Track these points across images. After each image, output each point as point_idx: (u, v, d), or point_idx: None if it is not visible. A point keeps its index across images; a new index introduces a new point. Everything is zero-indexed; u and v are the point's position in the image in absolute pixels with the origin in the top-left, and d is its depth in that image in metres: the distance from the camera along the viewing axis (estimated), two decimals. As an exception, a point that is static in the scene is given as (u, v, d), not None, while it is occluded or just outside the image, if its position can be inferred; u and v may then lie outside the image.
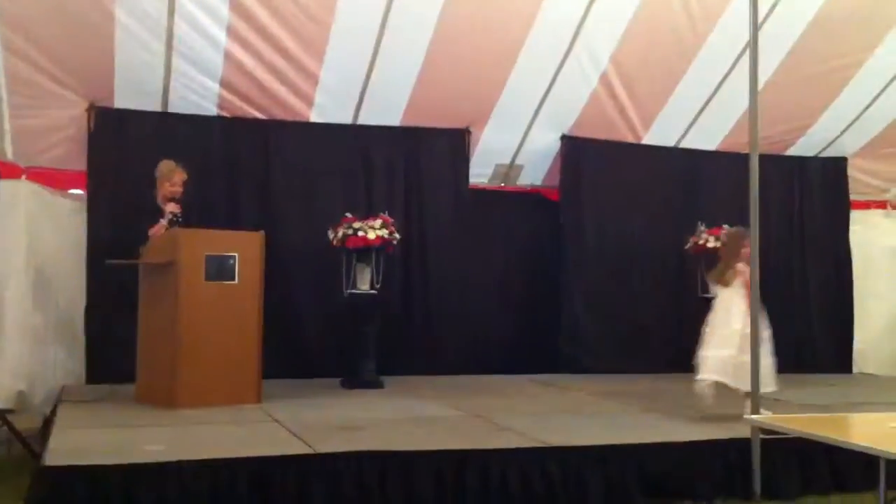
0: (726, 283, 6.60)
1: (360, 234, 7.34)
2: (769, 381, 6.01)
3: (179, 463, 4.32)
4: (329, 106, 7.86)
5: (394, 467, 4.65)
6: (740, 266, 6.43)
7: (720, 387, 6.22)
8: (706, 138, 8.86)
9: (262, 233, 6.35)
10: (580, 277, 8.69)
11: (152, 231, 6.46)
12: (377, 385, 7.38)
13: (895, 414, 3.54)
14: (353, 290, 7.47)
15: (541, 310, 8.73)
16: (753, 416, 3.71)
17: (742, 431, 5.15)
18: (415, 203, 8.32)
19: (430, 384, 7.59)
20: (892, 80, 8.36)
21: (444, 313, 8.28)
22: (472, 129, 8.38)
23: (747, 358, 5.66)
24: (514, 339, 8.67)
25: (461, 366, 8.20)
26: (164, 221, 6.48)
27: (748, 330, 5.86)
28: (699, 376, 6.40)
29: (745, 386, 5.69)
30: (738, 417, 5.14)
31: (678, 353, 8.64)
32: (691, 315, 8.50)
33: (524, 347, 8.65)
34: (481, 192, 8.70)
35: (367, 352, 7.45)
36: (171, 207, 6.51)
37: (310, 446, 4.83)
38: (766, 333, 6.05)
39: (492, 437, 5.41)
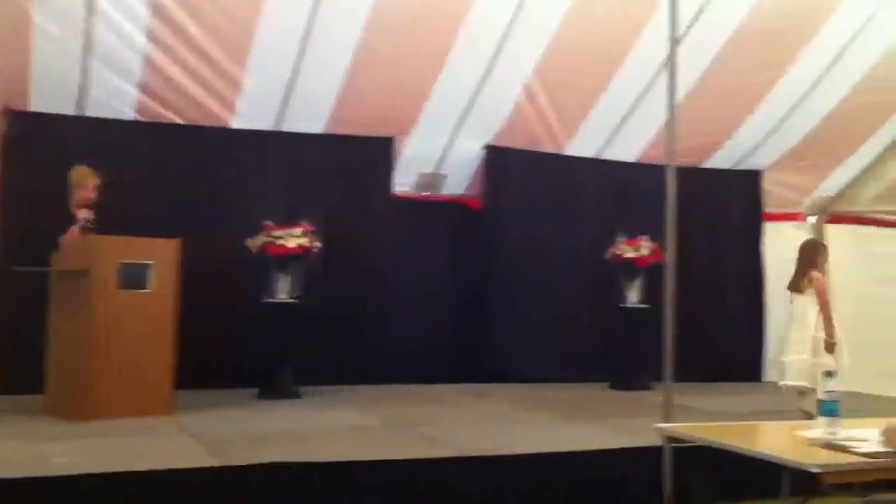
0: (801, 291, 7.07)
1: (280, 242, 7.28)
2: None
3: (85, 476, 4.21)
4: (251, 112, 7.76)
5: (308, 479, 4.60)
6: (814, 274, 6.97)
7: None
8: (627, 150, 9.00)
9: (178, 240, 6.24)
10: (504, 287, 8.73)
11: (64, 237, 6.30)
12: (295, 395, 7.30)
13: (799, 422, 3.61)
14: (273, 299, 7.39)
15: (465, 319, 8.74)
16: (661, 425, 3.76)
17: (655, 439, 5.24)
18: (338, 211, 8.24)
19: (351, 394, 7.55)
20: (804, 96, 8.59)
21: (366, 322, 8.22)
22: (396, 138, 8.36)
23: (824, 360, 6.42)
24: (438, 348, 8.65)
25: (384, 375, 8.15)
26: (76, 228, 6.32)
27: (822, 334, 6.65)
28: (782, 382, 6.92)
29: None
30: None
31: (600, 362, 8.81)
32: (612, 324, 8.68)
33: (449, 357, 8.65)
34: (405, 201, 8.68)
35: (285, 362, 7.37)
36: (84, 213, 6.32)
37: (220, 459, 4.76)
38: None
39: (412, 447, 5.41)
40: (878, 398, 8.15)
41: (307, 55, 7.32)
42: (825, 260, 7.23)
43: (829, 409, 3.26)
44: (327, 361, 7.97)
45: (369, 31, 7.24)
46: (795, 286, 7.16)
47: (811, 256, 7.11)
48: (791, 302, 7.19)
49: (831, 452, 3.07)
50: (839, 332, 6.74)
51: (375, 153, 8.38)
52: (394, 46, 7.38)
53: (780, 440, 3.62)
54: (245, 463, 4.65)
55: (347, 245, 8.23)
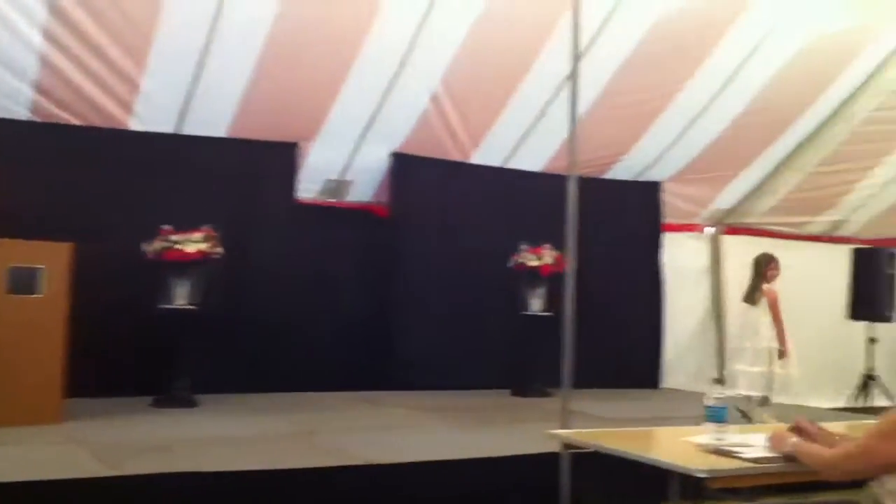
0: (754, 303, 7.61)
1: (179, 247, 7.13)
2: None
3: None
4: (150, 114, 7.57)
5: (199, 489, 4.51)
6: (767, 287, 7.52)
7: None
8: (532, 160, 9.09)
9: (70, 244, 6.05)
10: (409, 294, 8.72)
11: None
12: (191, 404, 7.14)
13: (690, 428, 3.69)
14: (170, 305, 7.22)
15: (370, 326, 8.68)
16: (553, 431, 3.81)
17: (552, 446, 5.29)
18: (240, 217, 8.09)
19: (250, 402, 7.42)
20: (702, 112, 8.83)
21: (269, 330, 8.05)
22: (301, 144, 8.27)
23: (778, 370, 7.13)
24: (342, 355, 8.56)
25: (285, 384, 8.04)
26: (-38, 231, 6.07)
27: (775, 344, 7.21)
28: (736, 391, 7.26)
29: (778, 396, 7.07)
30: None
31: (503, 369, 8.88)
32: (514, 331, 8.75)
33: (352, 364, 8.57)
34: (310, 207, 8.58)
35: (181, 369, 7.20)
36: (-27, 215, 6.11)
37: (108, 468, 4.63)
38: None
39: (308, 456, 5.35)
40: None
41: (209, 58, 7.18)
42: (777, 272, 7.79)
43: (717, 414, 3.35)
44: (226, 369, 7.81)
45: (274, 35, 7.14)
46: (749, 298, 7.75)
47: (763, 270, 7.64)
48: (744, 314, 7.78)
49: (718, 458, 3.14)
50: (790, 343, 7.25)
51: (279, 159, 8.27)
52: (299, 51, 7.31)
53: (669, 445, 3.69)
54: (134, 473, 4.53)
55: (250, 251, 8.10)
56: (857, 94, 8.94)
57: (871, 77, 8.77)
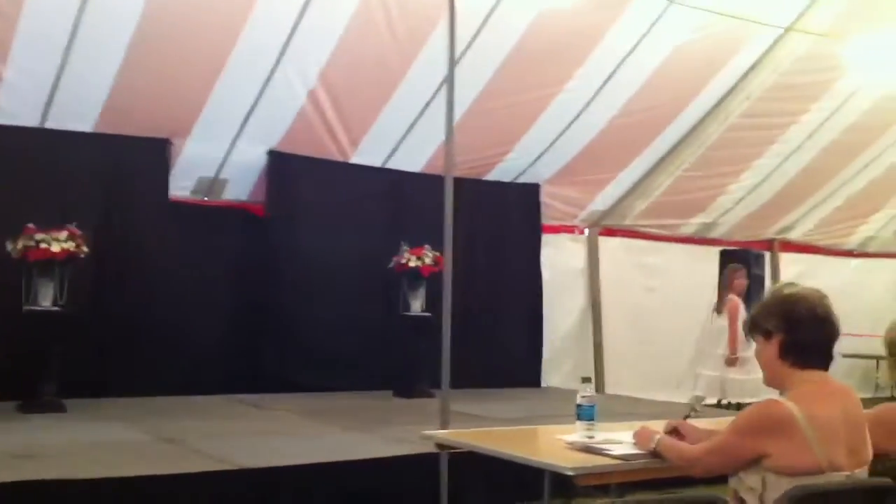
0: (720, 312, 8.26)
1: (43, 246, 6.84)
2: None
3: None
4: (13, 107, 7.22)
5: (66, 498, 4.33)
6: (730, 297, 8.06)
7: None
8: (411, 160, 9.06)
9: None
10: (286, 295, 8.55)
11: None
12: (58, 409, 6.85)
13: (564, 426, 3.72)
14: (34, 307, 6.91)
15: (246, 328, 8.48)
16: (428, 432, 3.79)
17: (433, 446, 5.28)
18: (110, 215, 7.83)
19: (121, 407, 7.17)
20: (579, 114, 8.97)
21: (138, 331, 7.80)
22: (174, 140, 8.02)
23: (734, 376, 7.88)
24: (218, 358, 8.33)
25: (161, 387, 7.79)
26: None
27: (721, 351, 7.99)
28: (696, 392, 8.16)
29: (733, 399, 7.91)
30: None
31: (383, 370, 8.83)
32: (396, 332, 8.72)
33: (229, 367, 8.36)
34: (183, 206, 8.34)
35: (47, 373, 6.90)
36: None
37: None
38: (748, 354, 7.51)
39: (180, 462, 5.20)
40: (646, 402, 8.65)
41: (75, 49, 6.90)
42: (743, 281, 8.46)
43: (587, 413, 3.38)
44: (96, 373, 7.53)
45: (144, 27, 6.90)
46: (717, 307, 8.51)
47: (729, 280, 8.35)
48: (711, 321, 8.47)
49: (587, 455, 3.17)
50: (741, 351, 7.81)
51: (150, 155, 7.99)
52: (171, 44, 7.09)
53: (542, 444, 3.72)
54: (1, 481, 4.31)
55: (120, 250, 7.85)
56: (726, 100, 9.24)
57: (739, 82, 9.07)
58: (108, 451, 5.52)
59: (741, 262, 9.92)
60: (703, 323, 9.50)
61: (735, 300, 8.22)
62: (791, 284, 2.94)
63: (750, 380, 7.83)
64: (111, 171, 7.87)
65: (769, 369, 2.87)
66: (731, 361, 8.01)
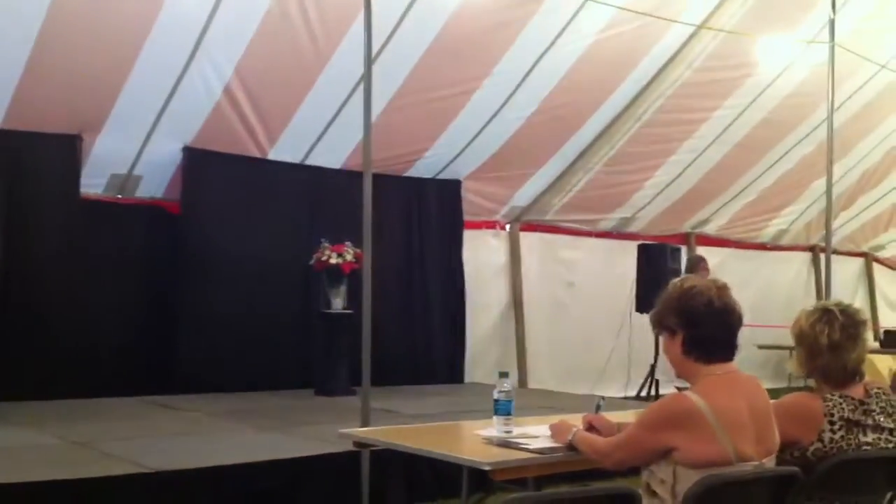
0: None
1: (-52, 246, 6.60)
2: None
3: None
4: (-88, 103, 6.98)
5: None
6: None
7: None
8: (331, 157, 8.98)
9: None
10: (202, 294, 8.36)
11: None
12: (-35, 414, 6.62)
13: (482, 421, 3.72)
14: (-63, 309, 6.67)
15: (159, 327, 8.30)
16: (346, 430, 3.75)
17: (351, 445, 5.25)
18: (17, 214, 7.58)
19: (30, 410, 6.93)
20: (499, 110, 9.00)
21: (46, 332, 7.55)
22: (84, 136, 7.79)
23: None
24: (131, 358, 8.16)
25: (70, 389, 7.55)
26: None
27: None
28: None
29: None
30: None
31: (304, 369, 8.74)
32: (316, 330, 8.63)
33: (142, 367, 8.18)
34: (95, 204, 8.12)
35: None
36: None
37: None
38: None
39: (92, 466, 5.07)
40: (567, 395, 8.74)
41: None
42: (707, 272, 8.64)
43: (503, 408, 3.38)
44: (3, 375, 7.27)
45: (52, 18, 6.68)
46: None
47: (698, 270, 8.53)
48: None
49: (503, 450, 3.18)
50: None
51: (60, 152, 7.74)
52: (80, 36, 6.87)
53: (460, 440, 3.71)
54: None
55: (29, 250, 7.62)
56: (641, 96, 9.39)
57: (653, 79, 9.22)
58: (18, 456, 5.35)
59: (657, 256, 10.12)
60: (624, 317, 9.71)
61: None
62: (687, 278, 2.96)
63: None
64: (19, 169, 7.63)
65: (676, 365, 2.92)
66: None
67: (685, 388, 2.84)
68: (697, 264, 9.26)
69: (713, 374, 2.82)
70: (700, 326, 2.82)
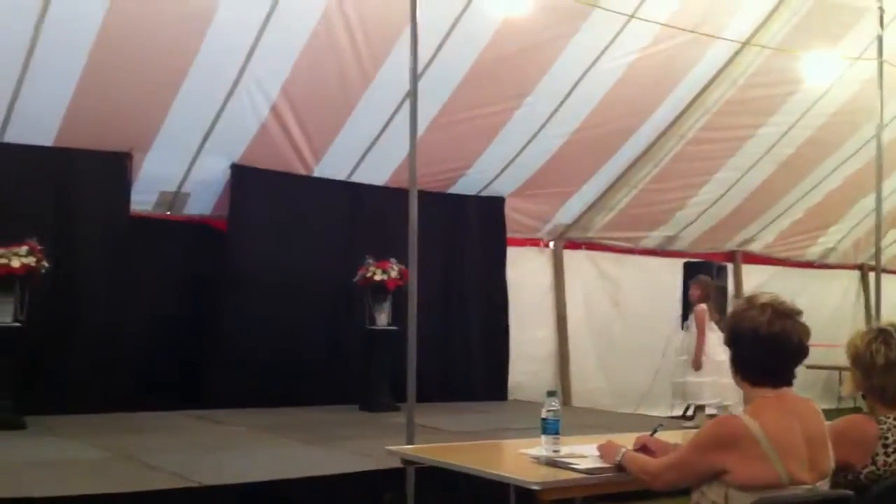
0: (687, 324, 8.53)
1: (3, 261, 6.76)
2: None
3: None
4: (-30, 122, 7.15)
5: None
6: (698, 307, 8.28)
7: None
8: (375, 174, 9.05)
9: None
10: (250, 310, 8.45)
11: None
12: (18, 426, 6.71)
13: (529, 440, 3.71)
14: (-8, 323, 6.81)
15: (204, 343, 8.40)
16: (392, 447, 3.76)
17: (397, 461, 5.26)
18: (68, 230, 7.74)
19: (78, 423, 7.04)
20: (542, 127, 9.02)
21: (95, 347, 7.69)
22: (134, 154, 7.94)
23: (692, 378, 8.15)
24: (174, 373, 8.25)
25: (119, 403, 7.66)
26: None
27: (683, 357, 8.35)
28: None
29: (694, 402, 8.36)
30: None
31: (348, 384, 8.77)
32: (361, 346, 8.67)
33: (191, 382, 8.29)
34: (144, 220, 8.26)
35: (5, 389, 6.76)
36: None
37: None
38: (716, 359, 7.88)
39: (139, 479, 5.13)
40: (612, 414, 8.67)
41: (34, 63, 6.83)
42: (696, 292, 8.58)
43: (551, 427, 3.37)
44: (54, 389, 7.42)
45: (104, 40, 6.84)
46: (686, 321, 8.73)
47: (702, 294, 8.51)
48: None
49: (552, 469, 3.17)
50: (704, 357, 8.14)
51: (111, 169, 7.90)
52: (131, 57, 7.04)
53: (506, 458, 3.71)
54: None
55: (79, 265, 7.78)
56: (686, 113, 9.35)
57: (698, 96, 9.19)
58: (67, 469, 5.43)
59: (705, 274, 10.01)
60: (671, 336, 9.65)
61: (701, 309, 8.32)
62: (757, 296, 2.85)
63: (708, 382, 8.08)
64: (71, 186, 7.80)
65: (733, 378, 2.90)
66: (697, 365, 8.16)
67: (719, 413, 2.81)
68: (691, 287, 8.82)
69: (764, 396, 2.79)
70: (744, 350, 2.80)
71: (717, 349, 7.90)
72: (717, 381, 8.00)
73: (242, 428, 7.30)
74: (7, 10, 6.50)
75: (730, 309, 2.91)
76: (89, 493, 4.65)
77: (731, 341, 2.83)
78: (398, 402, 8.02)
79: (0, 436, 6.41)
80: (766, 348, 2.75)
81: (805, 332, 2.78)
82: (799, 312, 2.80)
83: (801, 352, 2.78)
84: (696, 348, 8.19)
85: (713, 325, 8.18)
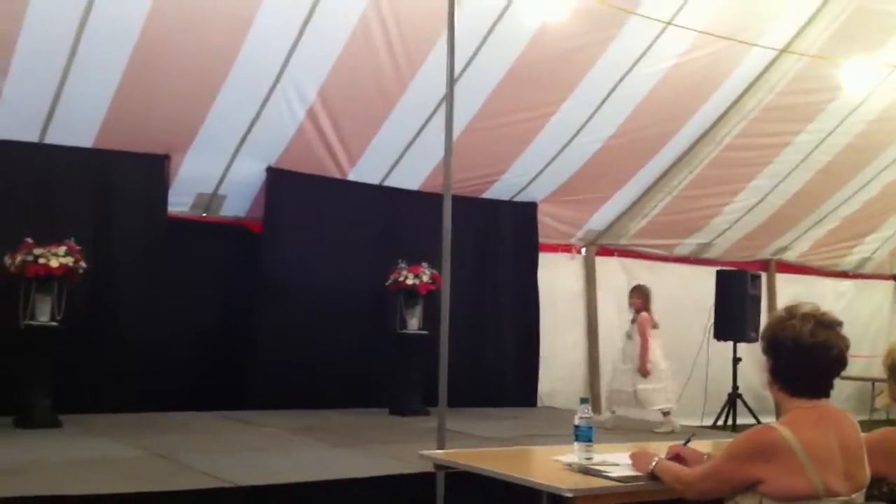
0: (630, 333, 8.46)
1: (42, 261, 6.84)
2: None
3: None
4: (13, 123, 7.22)
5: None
6: (640, 314, 8.33)
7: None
8: (409, 178, 9.08)
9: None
10: (282, 311, 8.50)
11: None
12: (54, 424, 6.82)
13: (561, 447, 3.72)
14: (31, 322, 6.90)
15: (236, 344, 8.46)
16: (425, 452, 3.78)
17: (429, 465, 5.27)
18: (106, 230, 7.83)
19: (112, 422, 7.13)
20: (576, 134, 9.01)
21: (132, 347, 7.77)
22: (172, 155, 8.02)
23: (643, 386, 8.10)
24: (212, 374, 8.31)
25: (154, 402, 7.76)
26: None
27: (628, 366, 8.27)
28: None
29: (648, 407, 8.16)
30: None
31: (379, 388, 8.80)
32: (392, 350, 8.70)
33: (221, 382, 8.33)
34: (181, 222, 8.34)
35: (43, 388, 6.87)
36: None
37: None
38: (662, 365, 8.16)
39: (173, 478, 5.18)
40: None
41: (75, 65, 6.92)
42: (631, 299, 8.62)
43: (584, 434, 3.38)
44: (91, 388, 7.51)
45: (143, 43, 6.93)
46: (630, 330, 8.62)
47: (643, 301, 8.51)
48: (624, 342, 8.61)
49: (585, 477, 3.17)
50: (650, 364, 8.16)
51: (149, 171, 7.99)
52: (170, 60, 7.12)
53: (539, 465, 3.72)
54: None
55: (117, 266, 7.86)
56: (722, 120, 9.30)
57: (734, 103, 9.13)
58: (102, 467, 5.49)
59: (735, 283, 9.94)
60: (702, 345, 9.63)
61: (644, 315, 8.32)
62: (798, 306, 2.84)
63: (659, 389, 8.15)
64: (109, 187, 7.89)
65: (769, 388, 2.88)
66: (644, 372, 8.15)
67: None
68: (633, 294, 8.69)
69: (802, 407, 2.77)
70: (785, 361, 2.78)
71: (660, 356, 8.16)
72: (666, 387, 8.20)
73: (274, 429, 7.35)
74: (49, 15, 6.59)
75: (765, 320, 2.89)
76: (123, 492, 4.70)
77: (771, 352, 2.81)
78: (428, 407, 8.06)
79: (37, 434, 6.52)
80: (808, 359, 2.75)
81: (845, 343, 2.78)
82: (840, 323, 2.80)
83: (841, 363, 2.77)
84: (642, 355, 8.17)
85: (654, 333, 8.27)
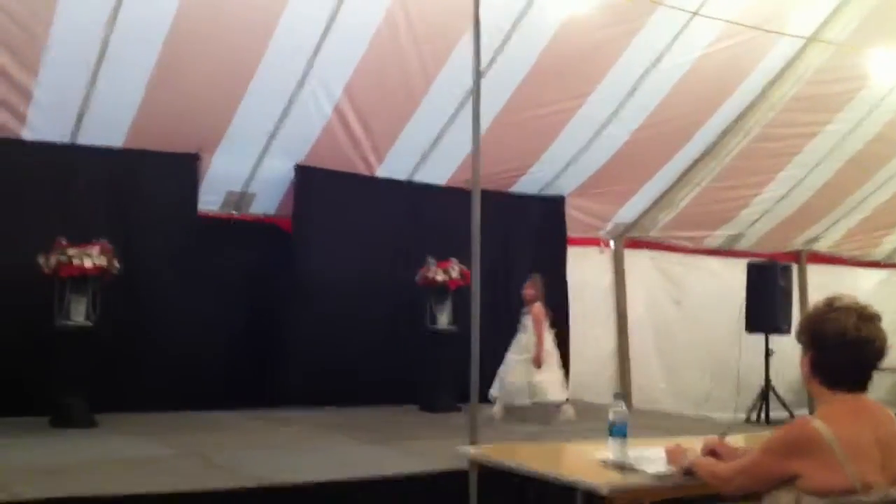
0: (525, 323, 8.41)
1: (76, 261, 6.90)
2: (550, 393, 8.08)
3: None
4: (43, 123, 7.31)
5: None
6: (534, 305, 8.24)
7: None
8: (436, 174, 9.09)
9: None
10: (312, 308, 8.53)
11: None
12: (89, 424, 6.89)
13: (594, 442, 3.72)
14: (66, 322, 6.97)
15: (266, 342, 8.50)
16: (462, 448, 3.79)
17: (461, 462, 5.28)
18: (138, 230, 7.89)
19: (146, 422, 7.17)
20: (603, 126, 8.97)
21: (169, 347, 7.84)
22: (202, 154, 8.08)
23: (539, 378, 8.02)
24: (244, 373, 8.35)
25: (187, 402, 7.80)
26: None
27: (525, 356, 8.11)
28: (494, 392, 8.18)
29: (542, 400, 8.05)
30: None
31: (409, 384, 8.81)
32: (422, 346, 8.70)
33: (254, 382, 8.37)
34: (211, 220, 8.40)
35: (78, 388, 6.94)
36: None
37: (6, 492, 4.44)
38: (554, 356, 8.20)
39: (207, 477, 5.23)
40: (674, 417, 8.59)
41: (105, 66, 6.98)
42: (527, 291, 8.46)
43: (619, 430, 3.37)
44: (126, 388, 7.57)
45: (172, 44, 6.98)
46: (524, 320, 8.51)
47: (537, 292, 8.37)
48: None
49: (620, 473, 3.17)
50: (545, 354, 8.13)
51: (179, 170, 8.04)
52: (198, 60, 7.16)
53: (574, 461, 3.72)
54: (29, 497, 4.35)
55: (149, 265, 7.89)
56: (750, 111, 9.22)
57: (762, 93, 9.05)
58: (136, 467, 5.54)
59: (766, 274, 9.87)
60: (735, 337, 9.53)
61: (538, 306, 8.26)
62: (838, 298, 2.83)
63: (555, 380, 8.15)
64: (140, 186, 7.94)
65: (805, 382, 2.87)
66: (538, 363, 8.08)
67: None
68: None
69: (839, 401, 2.76)
70: (828, 354, 2.76)
71: (552, 347, 8.21)
72: (561, 378, 8.20)
73: (305, 427, 7.38)
74: (78, 16, 6.66)
75: (797, 312, 2.87)
76: (156, 492, 4.73)
77: (812, 345, 2.79)
78: (458, 403, 8.06)
79: (71, 434, 6.59)
80: (851, 353, 2.74)
81: (885, 336, 2.77)
82: (879, 317, 2.78)
83: (882, 356, 2.76)
84: (537, 346, 8.11)
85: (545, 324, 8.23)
